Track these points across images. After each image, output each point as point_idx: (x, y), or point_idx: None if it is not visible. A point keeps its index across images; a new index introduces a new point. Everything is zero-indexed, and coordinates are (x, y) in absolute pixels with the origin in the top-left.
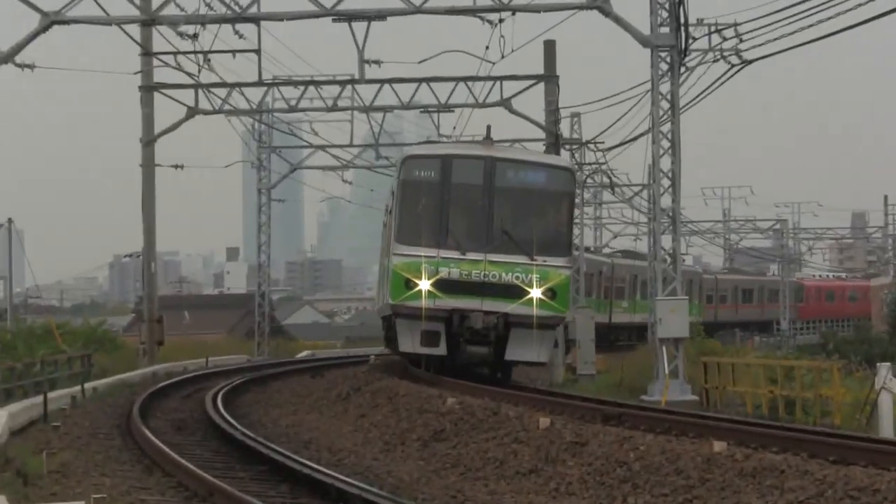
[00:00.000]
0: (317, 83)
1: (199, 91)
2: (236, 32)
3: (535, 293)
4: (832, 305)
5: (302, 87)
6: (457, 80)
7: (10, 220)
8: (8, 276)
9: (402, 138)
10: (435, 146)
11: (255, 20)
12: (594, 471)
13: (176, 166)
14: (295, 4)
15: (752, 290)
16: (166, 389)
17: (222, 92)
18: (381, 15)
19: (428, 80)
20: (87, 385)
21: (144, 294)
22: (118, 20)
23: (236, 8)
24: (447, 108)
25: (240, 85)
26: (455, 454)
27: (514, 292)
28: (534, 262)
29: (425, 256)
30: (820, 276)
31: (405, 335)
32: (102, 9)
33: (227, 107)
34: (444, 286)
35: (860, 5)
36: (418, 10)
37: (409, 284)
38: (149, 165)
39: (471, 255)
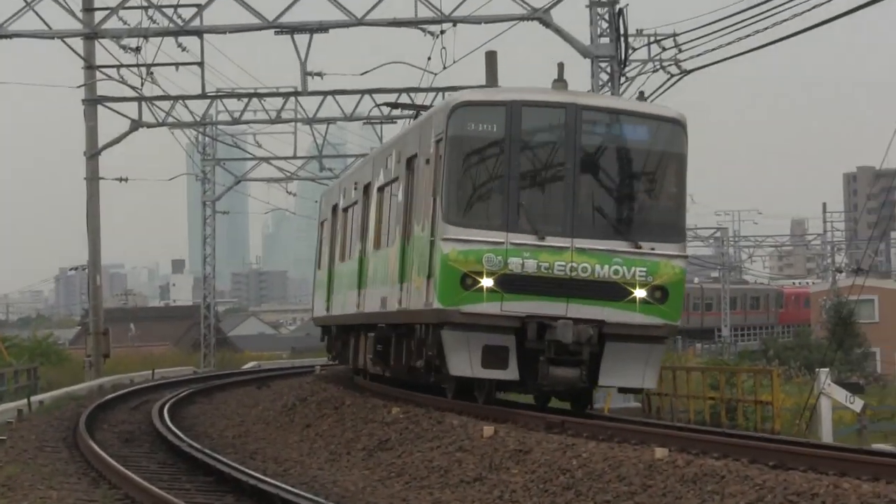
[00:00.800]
0: (260, 95)
1: (143, 104)
2: (179, 45)
3: (640, 293)
4: (811, 311)
5: (245, 100)
6: (399, 91)
7: None
8: None
9: (345, 150)
10: (493, 90)
11: (198, 33)
12: (537, 478)
13: (120, 179)
14: (237, 17)
15: (735, 298)
16: (113, 402)
17: (166, 105)
18: (323, 27)
19: (370, 91)
20: (34, 398)
21: (90, 307)
22: (61, 34)
23: (179, 21)
24: (390, 119)
25: (183, 97)
26: (400, 463)
27: (612, 293)
28: (639, 251)
29: (490, 243)
30: (799, 283)
31: (459, 352)
32: (45, 23)
33: (170, 119)
34: (516, 284)
35: (796, 16)
36: (360, 22)
37: (467, 282)
38: (93, 178)
39: (551, 241)
